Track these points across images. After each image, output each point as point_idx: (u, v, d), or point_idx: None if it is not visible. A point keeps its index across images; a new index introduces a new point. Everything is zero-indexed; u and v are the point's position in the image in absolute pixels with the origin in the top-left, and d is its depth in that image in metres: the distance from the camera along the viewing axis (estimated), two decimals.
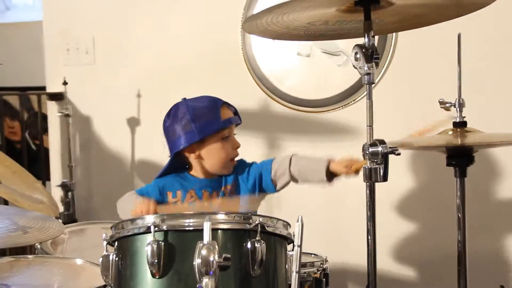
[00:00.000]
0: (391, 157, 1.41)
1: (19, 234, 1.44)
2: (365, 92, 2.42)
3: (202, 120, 1.87)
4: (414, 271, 2.47)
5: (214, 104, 1.91)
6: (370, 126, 1.43)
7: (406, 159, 2.39)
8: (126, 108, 2.96)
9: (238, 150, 1.95)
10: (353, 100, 2.48)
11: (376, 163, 1.41)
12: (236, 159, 1.97)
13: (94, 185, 3.09)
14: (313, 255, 2.00)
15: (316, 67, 2.55)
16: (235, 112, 1.95)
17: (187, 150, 1.91)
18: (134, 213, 1.79)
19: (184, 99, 1.94)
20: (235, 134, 1.95)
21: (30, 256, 2.04)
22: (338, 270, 2.30)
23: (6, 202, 2.82)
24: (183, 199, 1.92)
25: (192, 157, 1.92)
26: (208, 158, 1.91)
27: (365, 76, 1.42)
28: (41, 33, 3.15)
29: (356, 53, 1.42)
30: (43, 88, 3.20)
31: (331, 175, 1.84)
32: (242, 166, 1.98)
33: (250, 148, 2.31)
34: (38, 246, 2.11)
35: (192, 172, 1.97)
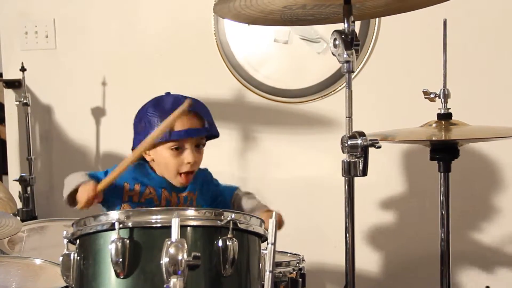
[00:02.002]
0: (372, 150, 1.42)
1: None
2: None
3: (154, 127, 1.84)
4: (395, 271, 2.50)
5: (165, 110, 1.85)
6: (349, 117, 1.44)
7: (388, 153, 2.42)
8: (90, 97, 2.94)
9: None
10: (334, 90, 2.50)
11: (356, 157, 1.42)
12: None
13: (56, 180, 3.07)
14: (289, 254, 2.02)
15: (295, 55, 2.56)
16: (207, 124, 1.88)
17: None
18: (78, 199, 1.76)
19: (168, 93, 1.93)
20: (200, 146, 1.89)
21: None
22: (315, 269, 2.33)
23: None
24: (141, 193, 1.89)
25: (147, 157, 1.91)
26: (158, 165, 1.89)
27: (345, 64, 1.42)
28: None
29: (335, 40, 1.43)
30: None
31: None
32: (206, 179, 1.97)
33: (224, 141, 2.31)
34: None
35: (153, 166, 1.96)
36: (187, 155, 1.84)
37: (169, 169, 1.88)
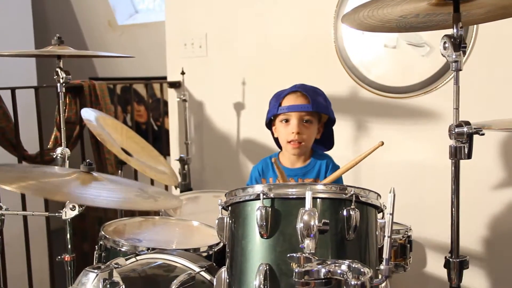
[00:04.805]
0: (475, 136, 1.36)
1: (151, 201, 1.50)
2: (446, 80, 2.34)
3: (271, 105, 1.95)
4: (491, 240, 2.35)
5: (281, 93, 1.93)
6: (457, 108, 1.38)
7: (489, 140, 2.27)
8: (233, 94, 3.00)
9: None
10: (435, 87, 2.38)
11: (461, 142, 1.36)
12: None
13: (206, 160, 3.17)
14: (399, 224, 1.96)
15: (401, 58, 2.46)
16: (311, 102, 1.87)
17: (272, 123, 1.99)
18: None
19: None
20: (308, 121, 1.89)
21: (156, 217, 2.14)
22: (420, 238, 2.24)
23: (136, 173, 2.96)
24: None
25: (276, 135, 1.99)
26: (279, 139, 1.97)
27: (453, 63, 1.36)
28: (163, 32, 3.25)
29: (444, 43, 1.37)
30: (164, 77, 3.30)
31: None
32: (323, 169, 1.93)
33: (341, 130, 2.27)
34: (162, 209, 2.20)
35: (281, 157, 1.98)
36: (293, 126, 1.87)
37: (282, 139, 1.93)
